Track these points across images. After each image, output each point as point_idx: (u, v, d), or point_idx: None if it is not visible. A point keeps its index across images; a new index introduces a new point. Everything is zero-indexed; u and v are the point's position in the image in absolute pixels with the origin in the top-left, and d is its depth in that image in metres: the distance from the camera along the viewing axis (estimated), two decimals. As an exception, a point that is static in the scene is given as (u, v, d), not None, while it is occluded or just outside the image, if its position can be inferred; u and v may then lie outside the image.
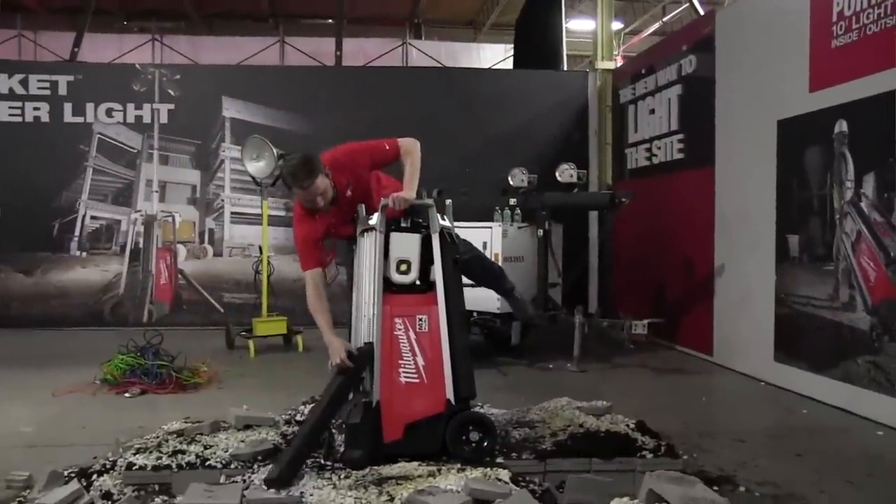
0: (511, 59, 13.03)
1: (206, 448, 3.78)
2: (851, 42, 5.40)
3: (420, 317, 3.98)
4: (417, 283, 4.09)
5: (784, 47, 6.17)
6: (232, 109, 9.97)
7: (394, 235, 4.08)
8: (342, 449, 3.86)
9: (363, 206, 4.17)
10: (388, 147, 4.32)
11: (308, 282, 4.38)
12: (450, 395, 3.87)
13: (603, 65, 10.33)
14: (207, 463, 3.63)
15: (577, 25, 15.03)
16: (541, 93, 10.29)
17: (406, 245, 4.04)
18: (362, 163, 4.30)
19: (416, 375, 3.95)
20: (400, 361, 3.95)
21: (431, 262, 4.08)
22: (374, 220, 4.08)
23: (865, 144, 5.29)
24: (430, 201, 4.14)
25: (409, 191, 4.14)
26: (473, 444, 3.80)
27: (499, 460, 3.74)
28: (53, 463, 3.87)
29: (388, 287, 4.02)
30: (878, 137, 5.10)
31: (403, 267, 4.01)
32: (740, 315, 6.87)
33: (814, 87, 5.79)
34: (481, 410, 4.15)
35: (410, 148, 4.30)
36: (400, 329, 3.98)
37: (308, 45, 14.34)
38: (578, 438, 3.99)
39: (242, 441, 3.88)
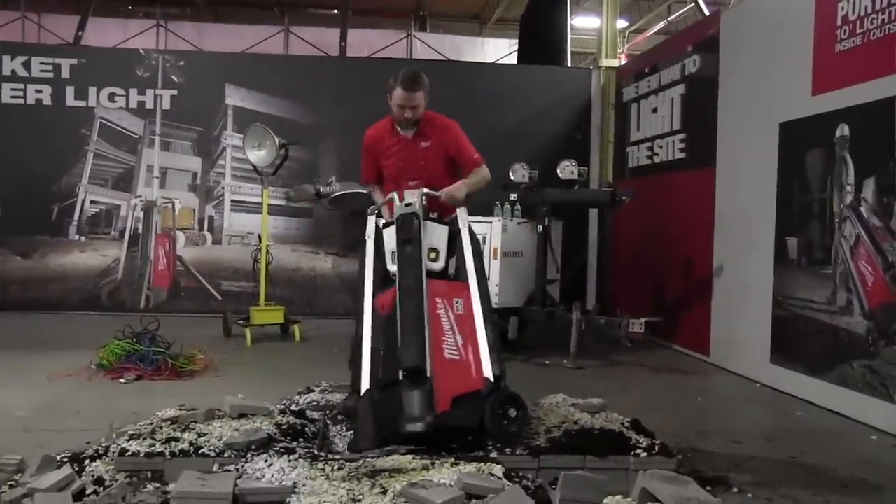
0: (515, 55, 13.01)
1: (199, 436, 3.77)
2: (855, 46, 5.39)
3: (457, 300, 4.13)
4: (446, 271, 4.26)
5: (788, 50, 6.17)
6: (235, 97, 9.96)
7: (427, 224, 4.27)
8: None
9: (396, 195, 4.39)
10: (475, 154, 4.74)
11: (372, 190, 4.82)
12: (488, 373, 3.94)
13: (607, 62, 10.31)
14: (201, 451, 3.62)
15: (581, 22, 15.03)
16: (544, 89, 10.28)
17: (437, 235, 4.26)
18: (446, 140, 4.66)
19: (457, 352, 4.04)
20: (443, 339, 4.05)
21: (452, 254, 4.28)
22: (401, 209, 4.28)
23: (866, 149, 5.29)
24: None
25: (462, 190, 4.45)
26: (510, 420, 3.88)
27: (492, 455, 3.74)
28: (46, 447, 3.87)
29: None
30: (878, 142, 5.10)
31: (433, 255, 4.20)
32: (738, 316, 6.87)
33: (816, 91, 5.78)
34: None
35: (486, 172, 4.74)
36: (441, 309, 4.11)
37: (313, 35, 14.33)
38: (573, 435, 3.99)
39: (237, 430, 3.87)
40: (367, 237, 4.43)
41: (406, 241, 4.20)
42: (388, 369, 3.95)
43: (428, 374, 3.88)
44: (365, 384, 3.94)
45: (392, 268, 4.22)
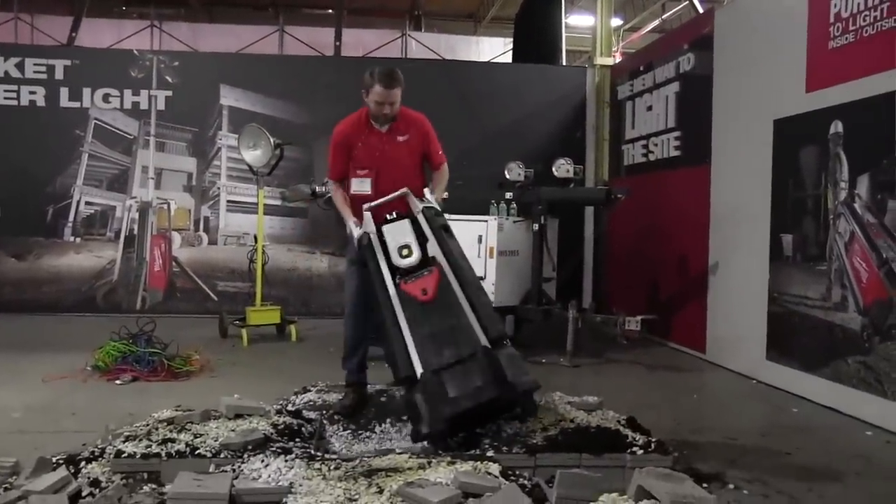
0: (510, 54, 13.02)
1: (196, 437, 3.77)
2: (848, 43, 5.41)
3: (425, 288, 4.21)
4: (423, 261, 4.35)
5: (782, 47, 6.18)
6: (230, 97, 9.95)
7: (386, 228, 4.39)
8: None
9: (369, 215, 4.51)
10: (440, 152, 4.94)
11: (333, 187, 4.89)
12: (484, 342, 4.02)
13: (601, 61, 10.31)
14: (197, 452, 3.62)
15: (576, 21, 15.04)
16: (539, 87, 10.28)
17: (399, 232, 4.35)
18: (422, 135, 4.84)
19: None
20: None
21: (426, 240, 4.38)
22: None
23: (860, 146, 5.30)
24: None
25: (440, 195, 4.80)
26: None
27: (489, 454, 3.75)
28: (42, 449, 3.86)
29: (401, 274, 4.29)
30: (872, 139, 5.12)
31: (405, 252, 4.28)
32: (733, 313, 6.89)
33: (810, 88, 5.80)
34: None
35: (447, 172, 4.99)
36: None
37: (307, 35, 14.33)
38: (569, 433, 3.99)
39: (233, 430, 3.87)
40: (367, 234, 4.46)
41: (444, 226, 4.45)
42: (440, 352, 4.00)
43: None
44: (419, 368, 3.96)
45: (402, 261, 4.28)
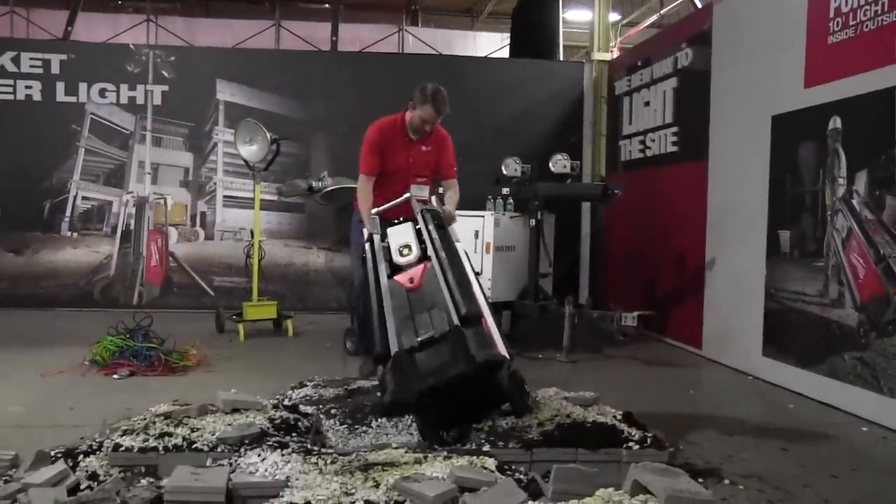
0: (507, 49, 13.01)
1: (193, 431, 3.77)
2: (848, 38, 5.41)
3: (412, 277, 4.40)
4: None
5: (780, 42, 6.18)
6: (226, 92, 9.93)
7: (390, 230, 4.74)
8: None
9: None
10: (455, 168, 5.50)
11: (362, 181, 5.33)
12: (456, 321, 4.07)
13: (599, 56, 10.31)
14: (194, 446, 3.62)
15: (573, 16, 15.02)
16: (536, 83, 10.27)
17: (402, 233, 4.67)
18: (445, 148, 5.40)
19: None
20: None
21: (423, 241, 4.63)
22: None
23: (859, 141, 5.31)
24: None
25: (451, 209, 5.16)
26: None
27: (485, 448, 3.75)
28: (40, 443, 3.87)
29: (398, 269, 4.50)
30: (871, 135, 5.12)
31: (406, 251, 4.55)
32: (730, 309, 6.89)
33: (809, 83, 5.80)
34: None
35: (458, 188, 5.47)
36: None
37: (304, 30, 14.31)
38: (565, 428, 3.99)
39: (230, 425, 3.87)
40: (371, 235, 4.74)
41: (440, 225, 4.75)
42: (415, 333, 4.11)
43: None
44: (394, 348, 4.06)
45: (402, 259, 4.51)
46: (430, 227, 4.67)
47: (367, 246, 4.73)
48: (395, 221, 4.86)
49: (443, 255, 4.46)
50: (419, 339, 4.06)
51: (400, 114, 5.37)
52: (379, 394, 4.22)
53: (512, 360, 4.17)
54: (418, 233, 4.68)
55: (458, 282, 4.28)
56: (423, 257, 4.51)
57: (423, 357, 4.00)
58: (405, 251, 4.55)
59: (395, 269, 4.50)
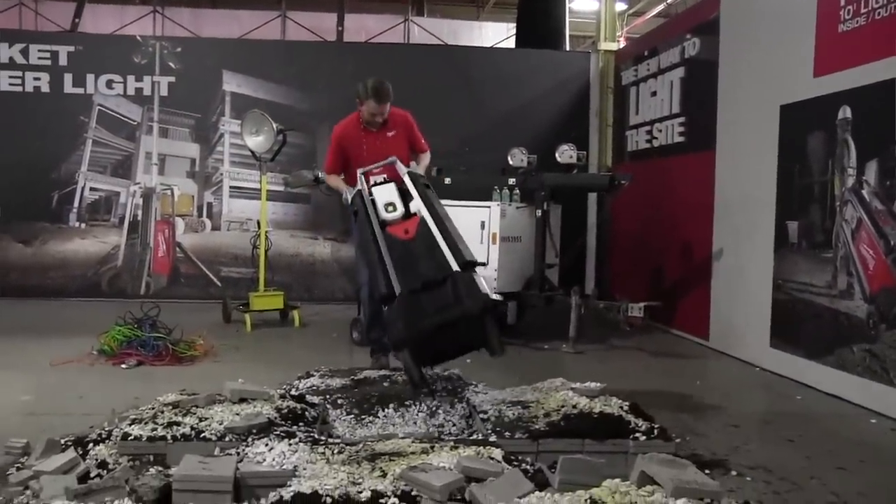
0: (513, 39, 12.96)
1: (200, 420, 3.78)
2: (859, 27, 5.37)
3: (407, 228, 4.75)
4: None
5: (789, 31, 6.14)
6: (232, 83, 9.94)
7: (375, 189, 4.97)
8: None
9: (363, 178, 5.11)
10: (423, 141, 5.76)
11: (327, 177, 5.87)
12: (455, 267, 4.42)
13: (605, 46, 10.29)
14: (202, 435, 3.63)
15: (580, 5, 14.93)
16: (542, 73, 10.25)
17: (386, 192, 4.93)
18: (407, 129, 5.63)
19: None
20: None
21: (408, 201, 4.90)
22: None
23: (868, 131, 5.27)
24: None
25: (423, 166, 5.62)
26: None
27: (492, 439, 3.76)
28: (50, 431, 3.89)
29: (386, 224, 4.81)
30: (881, 125, 5.08)
31: (391, 208, 4.84)
32: (737, 300, 6.88)
33: (818, 72, 5.77)
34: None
35: (429, 156, 5.81)
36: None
37: (310, 21, 14.26)
38: (572, 419, 3.99)
39: (237, 414, 3.88)
40: (359, 191, 5.04)
41: (426, 185, 5.03)
42: (417, 277, 4.44)
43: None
44: (398, 289, 4.38)
45: (387, 215, 4.80)
46: (419, 186, 4.96)
47: (356, 200, 5.01)
48: (377, 182, 5.05)
49: (434, 209, 4.79)
50: (421, 282, 4.39)
51: (357, 111, 5.66)
52: (388, 333, 4.60)
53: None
54: (401, 193, 4.94)
55: (452, 233, 4.65)
56: (407, 214, 4.83)
57: (427, 298, 4.35)
58: (390, 208, 4.84)
59: (382, 224, 4.80)
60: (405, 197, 4.93)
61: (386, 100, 5.46)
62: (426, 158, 5.76)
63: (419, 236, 4.66)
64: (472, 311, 4.25)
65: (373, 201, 4.91)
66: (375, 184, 5.04)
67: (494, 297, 4.42)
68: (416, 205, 4.85)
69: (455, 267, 4.43)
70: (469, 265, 4.47)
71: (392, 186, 4.98)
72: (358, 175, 5.14)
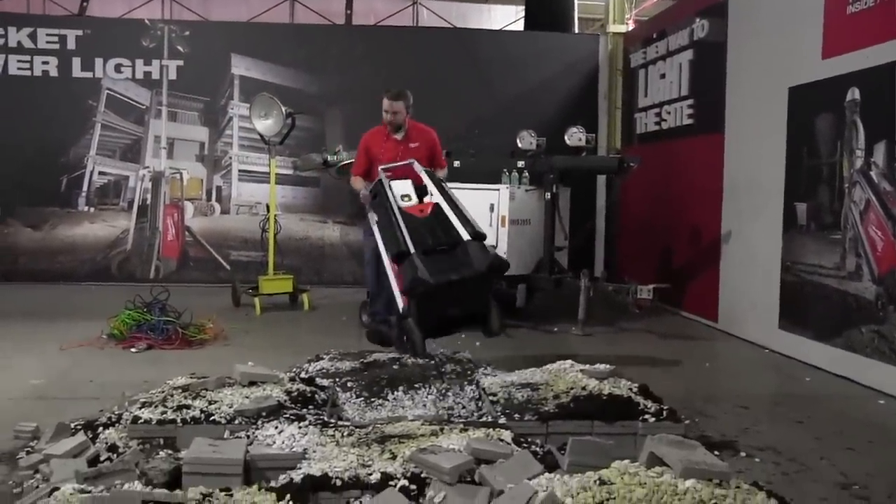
0: (522, 21, 12.90)
1: (210, 403, 3.80)
2: (867, 8, 5.33)
3: (423, 209, 5.24)
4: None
5: (798, 13, 6.11)
6: (241, 67, 9.93)
7: (392, 182, 5.37)
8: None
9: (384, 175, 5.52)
10: (442, 158, 6.21)
11: (352, 180, 6.11)
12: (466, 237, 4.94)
13: (614, 28, 10.24)
14: (212, 418, 3.66)
15: (589, -12, 14.85)
16: (551, 55, 10.22)
17: (402, 185, 5.37)
18: (429, 143, 6.02)
19: None
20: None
21: (424, 194, 5.35)
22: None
23: (877, 113, 5.24)
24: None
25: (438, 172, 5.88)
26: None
27: (501, 421, 3.77)
28: (61, 415, 3.93)
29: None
30: (890, 106, 5.06)
31: (406, 198, 5.27)
32: (746, 282, 6.87)
33: (827, 54, 5.73)
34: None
35: (445, 172, 6.19)
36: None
37: (318, 4, 14.21)
38: (581, 401, 4.00)
39: (247, 397, 3.90)
40: (380, 180, 5.44)
41: (440, 180, 5.50)
42: (430, 240, 4.94)
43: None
44: (412, 248, 4.83)
45: (402, 203, 5.21)
46: (434, 180, 5.43)
47: (376, 186, 5.46)
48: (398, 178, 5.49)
49: (449, 195, 5.28)
50: (434, 245, 4.90)
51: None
52: (404, 281, 4.83)
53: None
54: (416, 188, 5.37)
55: (465, 213, 5.16)
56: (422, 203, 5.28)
57: (439, 258, 4.83)
58: (405, 198, 5.28)
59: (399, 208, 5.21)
60: (421, 192, 5.34)
61: (397, 97, 5.85)
62: (442, 174, 5.98)
63: (434, 214, 5.14)
64: (480, 268, 4.72)
65: (391, 188, 5.31)
66: (395, 177, 5.45)
67: (504, 261, 4.91)
68: (432, 193, 5.28)
69: (466, 236, 4.92)
70: (479, 236, 4.95)
71: (409, 182, 5.40)
72: (379, 170, 5.53)
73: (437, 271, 4.70)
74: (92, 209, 9.88)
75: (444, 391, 4.47)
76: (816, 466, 3.71)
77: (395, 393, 4.44)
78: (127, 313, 6.21)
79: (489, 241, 5.21)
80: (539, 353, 5.67)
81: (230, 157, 10.00)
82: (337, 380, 4.63)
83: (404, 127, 5.98)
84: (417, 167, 5.52)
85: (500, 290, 6.86)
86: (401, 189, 5.33)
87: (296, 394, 4.04)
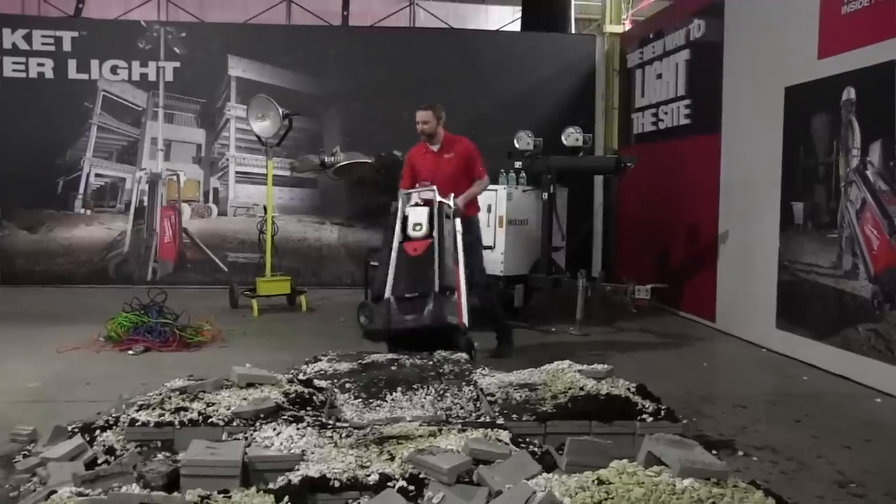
0: (519, 22, 12.91)
1: (208, 405, 3.79)
2: (862, 8, 5.34)
3: (416, 247, 5.62)
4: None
5: (793, 13, 6.12)
6: (238, 68, 9.93)
7: (409, 209, 5.74)
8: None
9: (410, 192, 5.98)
10: (481, 168, 6.24)
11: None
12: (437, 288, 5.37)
13: (611, 28, 10.25)
14: (210, 420, 3.65)
15: (585, -12, 14.86)
16: (548, 56, 10.22)
17: (418, 214, 5.70)
18: (465, 153, 6.18)
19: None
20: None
21: (433, 227, 5.67)
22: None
23: (873, 112, 5.25)
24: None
25: (462, 202, 5.94)
26: None
27: (500, 421, 3.77)
28: (58, 418, 3.91)
29: (406, 239, 5.68)
30: (886, 105, 5.07)
31: (417, 227, 5.64)
32: (743, 282, 6.88)
33: (822, 54, 5.74)
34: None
35: (486, 182, 6.32)
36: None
37: (315, 5, 14.21)
38: (579, 401, 4.00)
39: (245, 399, 3.89)
40: (398, 212, 5.78)
41: (447, 216, 5.76)
42: (406, 287, 5.44)
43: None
44: (388, 293, 5.42)
45: (413, 233, 5.62)
46: (441, 217, 5.69)
47: (393, 213, 5.84)
48: (415, 203, 5.83)
49: (442, 238, 5.59)
50: (407, 294, 5.39)
51: None
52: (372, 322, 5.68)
53: (468, 329, 5.41)
54: (430, 216, 5.69)
55: (445, 261, 5.48)
56: (429, 235, 5.61)
57: (406, 305, 5.36)
58: (417, 227, 5.65)
59: (406, 238, 5.65)
60: (434, 221, 5.70)
61: (424, 108, 6.16)
62: (480, 185, 6.22)
63: (424, 256, 5.52)
64: (432, 325, 5.24)
65: (405, 217, 5.71)
66: (416, 204, 5.82)
67: (454, 321, 5.29)
68: (432, 234, 5.65)
69: (436, 288, 5.35)
70: (445, 290, 5.38)
71: (425, 210, 5.74)
72: (400, 195, 5.92)
73: (399, 321, 5.34)
74: (88, 211, 9.86)
75: (442, 392, 4.46)
76: (814, 465, 3.72)
77: (394, 394, 4.43)
78: (124, 316, 6.21)
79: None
80: (537, 354, 5.68)
81: (227, 159, 9.99)
82: (335, 381, 4.62)
83: (438, 138, 6.20)
84: (436, 196, 5.78)
85: (500, 290, 6.93)
86: (415, 217, 5.70)
87: (294, 395, 4.04)
